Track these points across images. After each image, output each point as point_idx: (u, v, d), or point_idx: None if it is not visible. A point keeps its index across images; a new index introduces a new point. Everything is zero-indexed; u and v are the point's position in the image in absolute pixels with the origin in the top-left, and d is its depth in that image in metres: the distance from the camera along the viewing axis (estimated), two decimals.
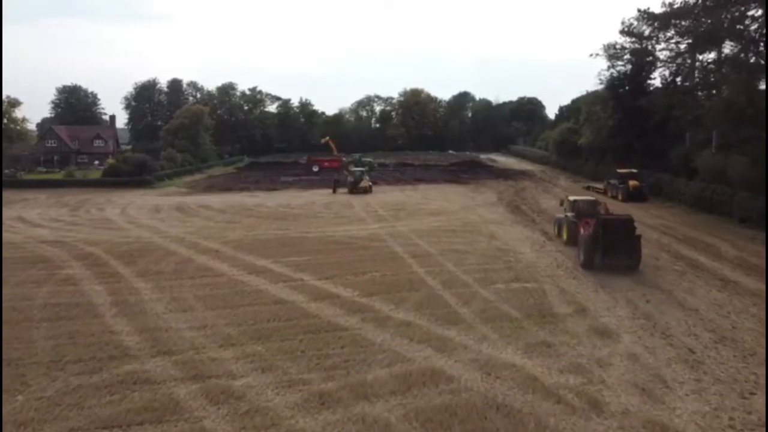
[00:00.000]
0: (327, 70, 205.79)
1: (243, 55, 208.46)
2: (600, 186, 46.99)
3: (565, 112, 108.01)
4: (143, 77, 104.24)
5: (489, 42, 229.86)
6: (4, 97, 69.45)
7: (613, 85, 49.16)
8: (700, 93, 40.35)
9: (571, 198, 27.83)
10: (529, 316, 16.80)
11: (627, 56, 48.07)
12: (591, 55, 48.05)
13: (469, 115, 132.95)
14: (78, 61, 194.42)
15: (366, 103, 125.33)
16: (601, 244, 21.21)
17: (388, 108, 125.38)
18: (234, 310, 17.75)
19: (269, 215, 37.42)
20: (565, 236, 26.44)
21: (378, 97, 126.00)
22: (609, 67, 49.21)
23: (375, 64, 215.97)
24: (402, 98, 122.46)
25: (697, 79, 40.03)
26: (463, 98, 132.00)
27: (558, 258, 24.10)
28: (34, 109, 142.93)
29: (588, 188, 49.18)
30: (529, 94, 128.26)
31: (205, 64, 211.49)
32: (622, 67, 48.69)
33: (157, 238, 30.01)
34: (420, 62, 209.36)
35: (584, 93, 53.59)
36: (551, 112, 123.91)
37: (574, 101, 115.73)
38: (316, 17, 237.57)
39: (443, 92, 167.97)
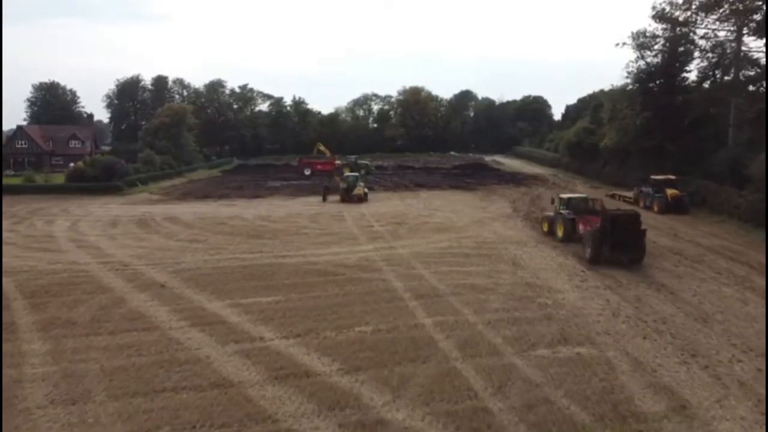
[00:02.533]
0: (327, 71, 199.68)
1: (243, 55, 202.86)
2: (628, 194, 40.95)
3: (572, 112, 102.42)
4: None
5: (489, 42, 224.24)
6: None
7: (643, 78, 43.00)
8: (757, 88, 34.23)
9: (565, 196, 28.48)
10: (601, 417, 10.79)
11: (659, 45, 41.94)
12: (617, 44, 42.04)
13: (471, 114, 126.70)
14: (77, 62, 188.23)
15: (363, 101, 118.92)
16: (610, 239, 21.70)
17: (387, 107, 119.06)
18: (148, 400, 11.74)
19: (243, 231, 31.33)
20: (560, 233, 26.69)
21: (376, 95, 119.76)
22: (638, 58, 43.05)
23: (375, 64, 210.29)
24: (401, 97, 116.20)
25: (754, 72, 33.93)
26: (465, 97, 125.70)
27: (611, 299, 18.08)
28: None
29: (613, 196, 43.13)
30: (534, 93, 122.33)
31: (205, 64, 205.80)
32: (654, 58, 42.55)
33: (95, 264, 23.92)
34: (420, 62, 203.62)
35: (609, 88, 46.76)
36: (556, 112, 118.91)
37: (580, 100, 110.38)
38: (317, 17, 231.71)
39: (444, 92, 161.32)
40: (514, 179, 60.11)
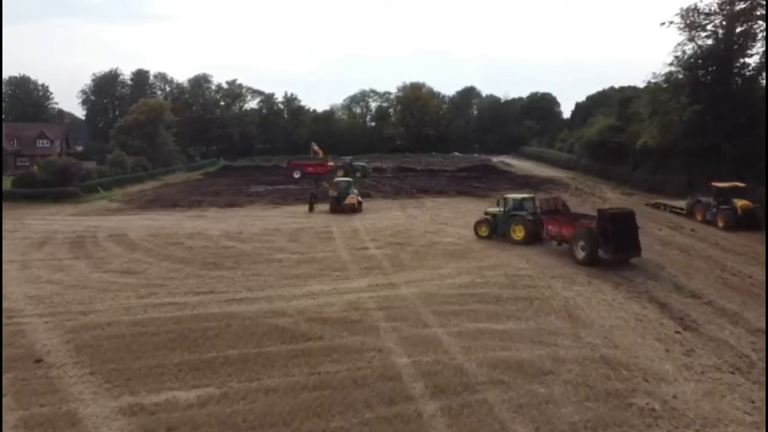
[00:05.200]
0: (325, 70, 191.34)
1: (244, 55, 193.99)
2: (678, 204, 33.87)
3: (583, 109, 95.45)
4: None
5: (491, 39, 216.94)
6: None
7: (693, 64, 35.78)
8: None
9: (517, 196, 27.45)
10: None
11: (713, 25, 34.73)
12: (663, 23, 35.03)
13: (475, 113, 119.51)
14: (73, 61, 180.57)
15: (360, 98, 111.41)
16: (612, 239, 20.93)
17: (386, 104, 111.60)
18: None
19: (198, 256, 24.15)
20: (520, 236, 25.51)
21: (374, 92, 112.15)
22: (684, 42, 35.84)
23: (373, 62, 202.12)
24: (400, 94, 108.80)
25: None
26: (469, 94, 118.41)
27: (755, 396, 10.97)
28: None
29: (657, 206, 36.11)
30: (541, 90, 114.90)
31: (205, 65, 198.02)
32: (707, 40, 35.34)
33: None
34: (420, 60, 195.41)
35: (650, 78, 38.78)
36: (563, 110, 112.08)
37: (589, 98, 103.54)
38: (315, 15, 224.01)
39: (446, 89, 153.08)
40: (529, 184, 52.91)
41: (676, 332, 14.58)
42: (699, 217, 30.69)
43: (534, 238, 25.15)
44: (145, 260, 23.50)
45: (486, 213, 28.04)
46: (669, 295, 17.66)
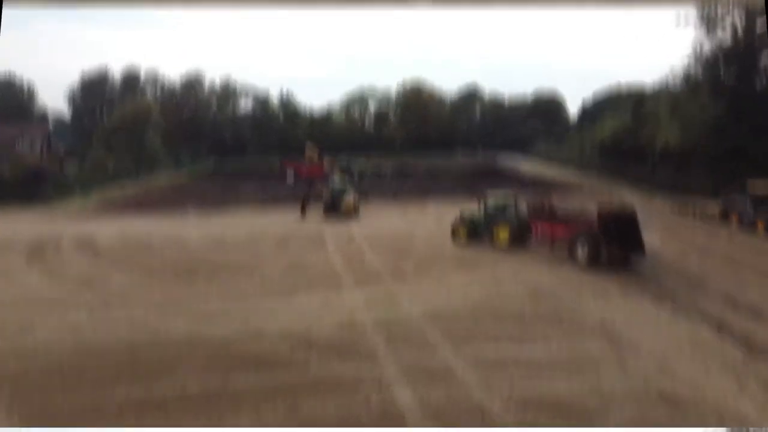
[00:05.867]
0: (330, 71, 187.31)
1: (242, 55, 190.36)
2: (711, 208, 31.10)
3: (591, 110, 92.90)
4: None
5: (489, 40, 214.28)
6: None
7: (711, 62, 33.09)
8: None
9: (501, 196, 25.59)
10: None
11: (733, 20, 32.02)
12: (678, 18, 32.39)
13: (478, 113, 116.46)
14: (64, 62, 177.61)
15: (359, 97, 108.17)
16: (616, 239, 19.77)
17: (385, 104, 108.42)
18: None
19: (172, 265, 21.34)
20: (506, 239, 23.40)
21: (373, 88, 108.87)
22: (698, 39, 33.14)
23: (375, 63, 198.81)
24: (401, 93, 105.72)
25: None
26: (472, 94, 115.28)
27: None
28: None
29: (685, 209, 33.34)
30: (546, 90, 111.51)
31: (202, 65, 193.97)
32: (725, 34, 32.60)
33: None
34: (421, 61, 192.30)
35: (668, 77, 36.10)
36: (569, 111, 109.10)
37: (596, 97, 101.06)
38: (319, 19, 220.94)
39: (448, 88, 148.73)
40: (538, 185, 50.16)
41: (740, 356, 11.81)
42: (734, 222, 27.99)
43: (520, 242, 23.03)
44: (110, 270, 20.71)
45: (462, 215, 25.24)
46: (723, 312, 14.88)
